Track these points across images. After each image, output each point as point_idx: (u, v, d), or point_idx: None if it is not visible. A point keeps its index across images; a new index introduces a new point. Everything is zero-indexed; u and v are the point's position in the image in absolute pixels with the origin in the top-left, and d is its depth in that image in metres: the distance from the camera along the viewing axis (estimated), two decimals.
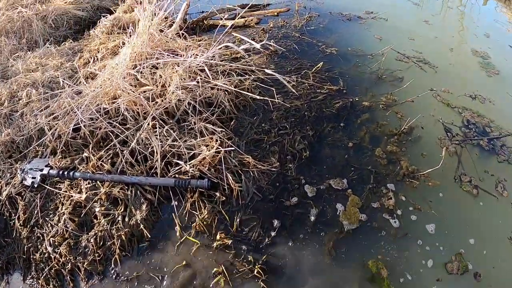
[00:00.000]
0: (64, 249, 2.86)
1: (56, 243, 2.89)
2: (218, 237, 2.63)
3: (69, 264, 2.82)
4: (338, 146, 3.32)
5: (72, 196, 2.97)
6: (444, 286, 2.62)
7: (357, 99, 3.78)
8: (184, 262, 2.64)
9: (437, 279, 2.62)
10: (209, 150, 2.80)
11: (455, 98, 4.01)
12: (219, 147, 2.83)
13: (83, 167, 3.06)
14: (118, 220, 2.81)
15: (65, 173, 3.06)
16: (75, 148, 3.24)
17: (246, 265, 2.58)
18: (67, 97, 3.48)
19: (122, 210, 2.83)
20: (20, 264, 2.93)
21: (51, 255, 2.87)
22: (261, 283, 2.53)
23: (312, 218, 2.82)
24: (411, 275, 2.64)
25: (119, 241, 2.76)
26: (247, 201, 2.81)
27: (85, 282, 2.77)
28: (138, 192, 2.85)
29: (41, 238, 2.97)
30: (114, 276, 2.74)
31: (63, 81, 3.82)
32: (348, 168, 3.14)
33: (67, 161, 3.17)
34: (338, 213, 2.86)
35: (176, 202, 2.79)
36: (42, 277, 2.85)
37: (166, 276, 2.63)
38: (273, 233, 2.73)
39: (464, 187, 3.16)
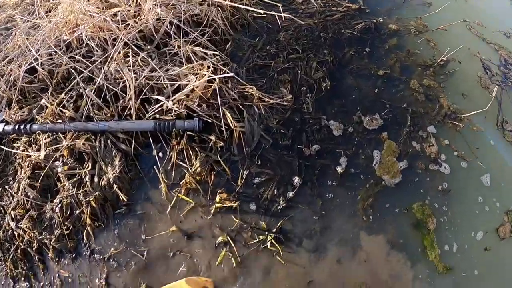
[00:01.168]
0: (27, 223, 2.17)
1: (18, 217, 2.22)
2: (217, 198, 1.85)
3: (35, 242, 2.16)
4: (364, 75, 2.42)
5: (30, 155, 2.21)
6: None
7: (381, 21, 2.85)
8: (174, 228, 1.90)
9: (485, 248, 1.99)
10: (199, 79, 1.95)
11: (490, 33, 3.06)
12: (212, 75, 1.97)
13: (42, 117, 2.27)
14: (86, 182, 2.05)
15: (21, 127, 2.30)
16: (33, 95, 2.46)
17: (257, 235, 1.85)
18: (21, 35, 2.64)
19: (89, 167, 2.06)
20: None
21: (14, 231, 2.23)
22: (277, 257, 1.81)
23: (340, 169, 2.01)
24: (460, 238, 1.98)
25: (89, 208, 2.02)
26: (253, 147, 1.97)
27: (55, 263, 2.12)
28: (109, 142, 2.05)
29: (2, 211, 2.31)
30: (88, 254, 2.06)
31: (20, 18, 2.96)
32: (379, 104, 2.28)
33: (24, 112, 2.40)
34: (373, 164, 2.06)
35: (158, 152, 1.99)
36: (9, 259, 2.24)
37: (151, 250, 1.89)
38: (291, 194, 1.93)
39: (507, 136, 2.37)
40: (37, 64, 2.38)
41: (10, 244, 2.26)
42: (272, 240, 1.80)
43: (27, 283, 2.20)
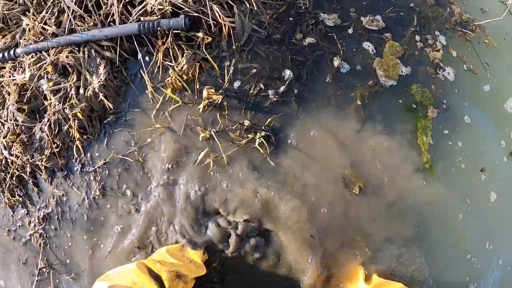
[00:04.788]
0: (18, 147, 1.99)
1: (10, 144, 2.04)
2: (205, 93, 1.64)
3: (28, 165, 1.99)
4: None
5: (15, 79, 2.01)
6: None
7: None
8: (158, 126, 1.74)
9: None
10: None
11: None
12: None
13: (25, 40, 2.05)
14: (72, 94, 1.84)
15: (5, 54, 2.09)
16: (15, 21, 2.21)
17: (245, 134, 1.66)
18: None
19: (74, 80, 1.85)
20: None
21: (8, 159, 2.05)
22: (268, 159, 1.64)
23: (336, 63, 1.77)
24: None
25: (76, 121, 1.82)
26: (243, 41, 1.73)
27: (49, 183, 1.96)
28: (93, 51, 1.83)
29: None
30: (79, 169, 1.88)
31: None
32: (383, 4, 1.96)
33: (7, 39, 2.16)
34: (372, 61, 1.81)
35: (144, 56, 1.77)
36: (6, 189, 2.09)
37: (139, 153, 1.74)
38: (282, 88, 1.71)
39: None
40: None
41: (5, 173, 2.09)
42: (262, 138, 1.60)
43: (25, 209, 2.06)
